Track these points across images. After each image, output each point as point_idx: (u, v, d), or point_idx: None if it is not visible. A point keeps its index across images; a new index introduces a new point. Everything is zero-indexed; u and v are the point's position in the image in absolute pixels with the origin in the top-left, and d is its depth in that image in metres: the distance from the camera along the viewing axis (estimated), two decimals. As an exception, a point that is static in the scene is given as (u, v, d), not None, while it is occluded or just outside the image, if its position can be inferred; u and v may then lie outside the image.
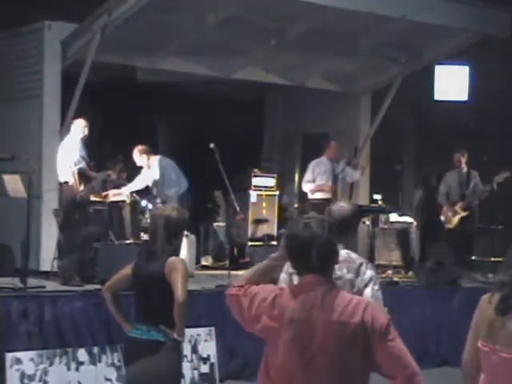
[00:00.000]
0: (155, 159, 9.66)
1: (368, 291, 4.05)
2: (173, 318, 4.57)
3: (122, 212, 9.38)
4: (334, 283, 3.33)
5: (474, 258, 10.45)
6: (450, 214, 10.38)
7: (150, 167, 9.62)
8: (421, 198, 11.64)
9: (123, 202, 9.37)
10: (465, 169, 10.52)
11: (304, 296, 3.17)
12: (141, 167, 9.66)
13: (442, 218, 10.45)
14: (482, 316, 3.25)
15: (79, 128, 8.73)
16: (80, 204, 8.51)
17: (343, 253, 4.17)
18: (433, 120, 11.76)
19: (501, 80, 10.82)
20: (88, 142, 8.83)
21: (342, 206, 4.46)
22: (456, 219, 10.31)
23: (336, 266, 4.04)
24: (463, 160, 10.51)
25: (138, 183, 9.62)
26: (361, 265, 4.15)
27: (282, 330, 3.17)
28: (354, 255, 4.22)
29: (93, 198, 8.86)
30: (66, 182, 8.55)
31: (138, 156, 9.61)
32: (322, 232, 3.24)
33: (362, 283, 4.10)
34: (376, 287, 4.12)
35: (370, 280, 4.12)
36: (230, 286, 3.41)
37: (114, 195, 9.25)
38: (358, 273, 4.12)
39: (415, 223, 11.07)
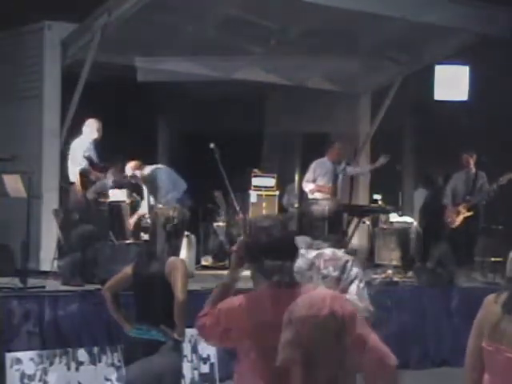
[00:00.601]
0: (148, 171, 9.64)
1: (353, 288, 4.04)
2: (173, 318, 4.57)
3: (122, 212, 9.38)
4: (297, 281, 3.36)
5: (474, 258, 10.44)
6: (454, 214, 10.38)
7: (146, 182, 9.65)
8: (425, 198, 11.61)
9: (123, 201, 9.38)
10: (473, 170, 10.52)
11: (289, 296, 3.18)
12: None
13: (447, 218, 10.46)
14: (486, 315, 3.24)
15: (89, 128, 8.85)
16: (82, 204, 8.55)
17: (328, 251, 4.17)
18: (433, 120, 11.75)
19: (501, 80, 10.81)
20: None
21: (323, 205, 4.48)
22: (460, 219, 10.31)
23: (322, 266, 4.06)
24: (471, 161, 10.52)
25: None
26: (347, 262, 4.14)
27: (264, 334, 3.16)
28: (339, 253, 4.21)
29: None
30: (74, 183, 8.64)
31: (131, 172, 9.61)
32: (285, 233, 3.26)
33: (347, 280, 4.08)
34: (361, 285, 4.10)
35: (356, 277, 4.11)
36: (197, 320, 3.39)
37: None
38: (343, 270, 4.10)
39: (415, 223, 11.06)
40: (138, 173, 9.60)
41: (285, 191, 11.56)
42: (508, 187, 10.11)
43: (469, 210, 10.30)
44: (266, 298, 3.18)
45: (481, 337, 3.22)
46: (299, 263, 3.83)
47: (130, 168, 9.60)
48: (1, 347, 6.57)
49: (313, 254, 4.14)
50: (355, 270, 4.13)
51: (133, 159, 9.69)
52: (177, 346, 4.64)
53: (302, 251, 4.09)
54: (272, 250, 3.19)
